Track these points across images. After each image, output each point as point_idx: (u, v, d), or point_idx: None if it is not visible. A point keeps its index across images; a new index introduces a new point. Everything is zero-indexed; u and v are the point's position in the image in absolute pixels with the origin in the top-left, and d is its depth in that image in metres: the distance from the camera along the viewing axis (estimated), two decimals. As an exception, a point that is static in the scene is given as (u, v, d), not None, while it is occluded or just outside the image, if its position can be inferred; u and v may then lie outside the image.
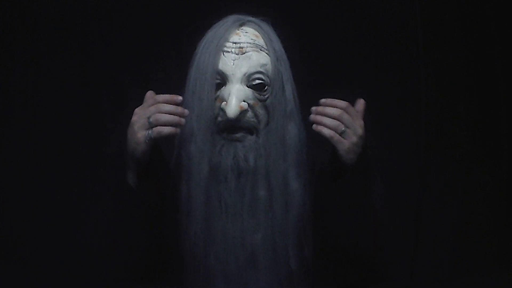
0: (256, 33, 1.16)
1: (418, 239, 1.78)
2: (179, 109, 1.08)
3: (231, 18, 1.18)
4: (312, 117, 1.10)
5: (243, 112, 1.11)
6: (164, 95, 1.10)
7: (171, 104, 1.08)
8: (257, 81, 1.13)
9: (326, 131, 1.08)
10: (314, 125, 1.10)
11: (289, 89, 1.17)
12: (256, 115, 1.13)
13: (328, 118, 1.09)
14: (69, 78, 1.78)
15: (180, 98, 1.09)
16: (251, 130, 1.14)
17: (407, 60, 1.82)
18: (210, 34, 1.16)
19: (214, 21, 1.18)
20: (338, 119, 1.09)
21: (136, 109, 1.10)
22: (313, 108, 1.11)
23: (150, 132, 1.06)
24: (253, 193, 1.12)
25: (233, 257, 1.11)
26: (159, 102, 1.08)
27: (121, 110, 1.82)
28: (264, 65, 1.14)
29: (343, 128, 1.08)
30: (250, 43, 1.14)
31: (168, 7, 1.77)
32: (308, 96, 1.20)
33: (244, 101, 1.11)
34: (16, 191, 1.71)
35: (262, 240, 1.12)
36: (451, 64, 1.90)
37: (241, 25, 1.17)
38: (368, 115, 1.15)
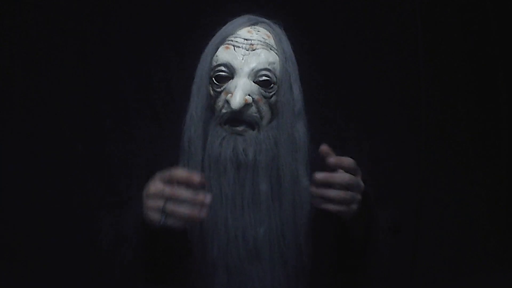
0: (268, 33, 1.19)
1: (418, 239, 1.78)
2: (200, 197, 0.97)
3: (245, 17, 1.21)
4: (315, 191, 0.99)
5: (247, 105, 1.13)
6: (182, 172, 0.98)
7: (190, 183, 0.97)
8: (264, 78, 1.15)
9: (333, 208, 0.99)
10: (315, 202, 0.99)
11: (297, 89, 1.19)
12: (259, 111, 1.15)
13: (334, 191, 0.99)
14: (69, 78, 1.78)
15: (198, 180, 0.97)
16: (252, 124, 1.15)
17: (407, 60, 1.83)
18: (221, 30, 1.19)
19: (228, 19, 1.20)
20: (347, 187, 0.99)
21: (151, 183, 1.01)
22: (319, 177, 0.98)
23: (163, 219, 0.98)
24: (254, 187, 1.13)
25: (235, 249, 1.11)
26: (175, 180, 0.98)
27: (121, 110, 1.84)
28: (272, 63, 1.16)
29: (349, 197, 1.00)
30: (261, 41, 1.16)
31: (168, 7, 1.77)
32: (314, 97, 1.21)
33: (249, 95, 1.13)
34: (16, 194, 1.72)
35: (265, 234, 1.13)
36: (451, 64, 1.91)
37: (254, 24, 1.20)
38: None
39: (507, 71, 1.88)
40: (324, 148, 1.00)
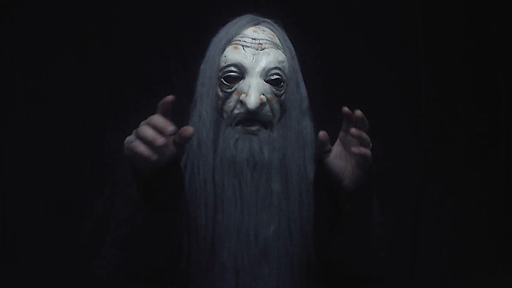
0: (272, 32, 1.19)
1: (418, 239, 1.78)
2: (160, 140, 0.93)
3: (246, 17, 1.20)
4: (354, 131, 1.03)
5: (262, 104, 1.13)
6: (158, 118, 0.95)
7: (159, 129, 0.93)
8: (275, 76, 1.15)
9: (365, 151, 1.03)
10: (354, 148, 1.02)
11: (303, 86, 1.20)
12: (272, 110, 1.15)
13: (366, 135, 1.04)
14: (69, 78, 1.78)
15: (171, 129, 0.93)
16: (266, 124, 1.15)
17: (407, 60, 1.82)
18: (224, 30, 1.19)
19: (229, 19, 1.19)
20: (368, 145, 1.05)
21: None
22: (358, 113, 1.03)
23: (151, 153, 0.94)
24: (268, 186, 1.13)
25: (246, 250, 1.11)
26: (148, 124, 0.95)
27: (121, 110, 1.84)
28: (281, 61, 1.16)
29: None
30: (268, 40, 1.17)
31: (168, 7, 1.77)
32: (313, 97, 1.21)
33: (263, 94, 1.14)
34: (16, 193, 1.72)
35: (274, 233, 1.12)
36: (451, 64, 1.91)
37: (257, 24, 1.20)
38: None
39: (507, 71, 1.88)
40: (345, 109, 1.03)
